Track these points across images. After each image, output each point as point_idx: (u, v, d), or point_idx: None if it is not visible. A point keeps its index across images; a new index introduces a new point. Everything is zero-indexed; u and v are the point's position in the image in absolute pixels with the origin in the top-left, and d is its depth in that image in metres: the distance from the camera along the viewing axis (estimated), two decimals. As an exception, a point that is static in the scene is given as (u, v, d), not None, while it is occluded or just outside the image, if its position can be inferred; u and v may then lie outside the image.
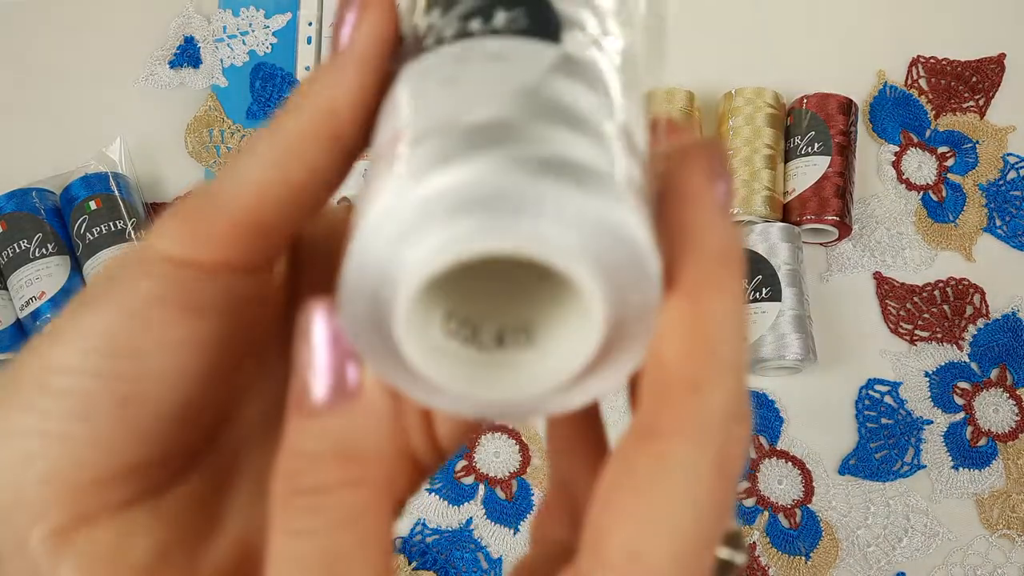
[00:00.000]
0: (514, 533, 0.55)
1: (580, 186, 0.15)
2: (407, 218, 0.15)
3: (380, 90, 0.19)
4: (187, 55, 0.67)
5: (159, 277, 0.17)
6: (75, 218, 0.59)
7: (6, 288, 0.60)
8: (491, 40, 0.18)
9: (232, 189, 0.18)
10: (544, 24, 0.19)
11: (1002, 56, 0.63)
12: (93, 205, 0.59)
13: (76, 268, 0.60)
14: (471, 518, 0.56)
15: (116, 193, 0.60)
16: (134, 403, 0.17)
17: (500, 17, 0.19)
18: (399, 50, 0.20)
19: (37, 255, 0.59)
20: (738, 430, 0.16)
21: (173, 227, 0.17)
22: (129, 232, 0.59)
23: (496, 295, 0.18)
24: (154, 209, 0.63)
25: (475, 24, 0.18)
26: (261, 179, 0.18)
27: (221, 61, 0.66)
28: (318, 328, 0.16)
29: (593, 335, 0.16)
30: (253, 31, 0.67)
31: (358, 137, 0.18)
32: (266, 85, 0.65)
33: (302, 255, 0.22)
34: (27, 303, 0.59)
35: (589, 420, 0.20)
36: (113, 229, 0.59)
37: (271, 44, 0.66)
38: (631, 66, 0.20)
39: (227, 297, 0.18)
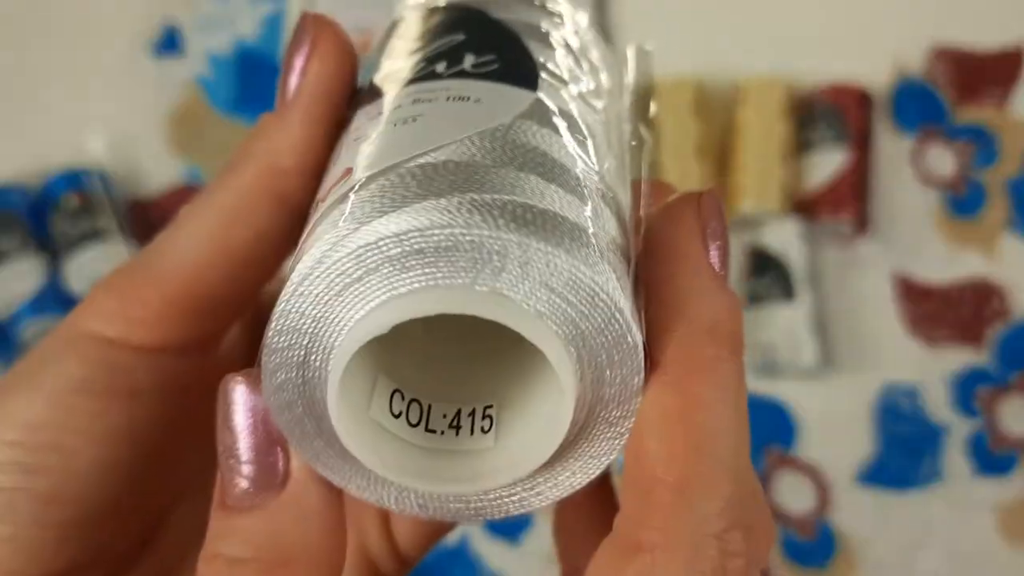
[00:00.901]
0: (514, 546, 0.54)
1: (550, 240, 0.13)
2: (344, 270, 0.13)
3: (330, 143, 0.17)
4: (170, 44, 0.65)
5: (88, 360, 0.16)
6: (54, 216, 0.58)
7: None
8: (458, 82, 0.16)
9: (167, 262, 0.16)
10: (519, 69, 0.17)
11: (1022, 47, 0.62)
12: (73, 202, 0.58)
13: (55, 268, 0.59)
14: (468, 532, 0.54)
15: (96, 189, 0.59)
16: (58, 502, 0.15)
17: (470, 59, 0.17)
18: (353, 97, 0.18)
19: (16, 255, 0.57)
20: (741, 543, 0.13)
21: (104, 304, 0.16)
22: (110, 230, 0.58)
23: (451, 364, 0.16)
24: (136, 206, 0.61)
25: (441, 67, 0.17)
26: (199, 250, 0.16)
27: (206, 50, 0.65)
28: (238, 407, 0.14)
29: (564, 417, 0.14)
30: (239, 19, 0.65)
31: (308, 195, 0.17)
32: (253, 75, 0.64)
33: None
34: (6, 304, 0.57)
35: (599, 496, 0.18)
36: (94, 227, 0.58)
37: (258, 32, 0.65)
38: (614, 118, 0.18)
39: (164, 380, 0.16)
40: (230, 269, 0.16)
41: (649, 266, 0.15)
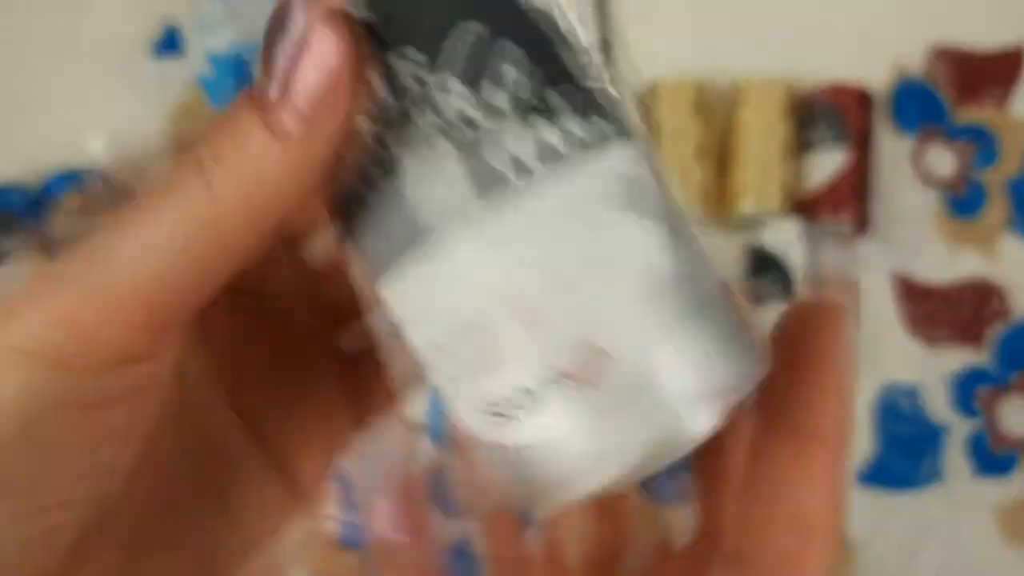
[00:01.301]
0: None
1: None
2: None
3: (336, 158, 0.15)
4: (170, 44, 0.65)
5: (30, 388, 0.14)
6: (54, 215, 0.58)
7: (-19, 290, 0.59)
8: (582, 175, 0.16)
9: (123, 275, 0.14)
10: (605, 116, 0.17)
11: (1022, 47, 0.62)
12: (74, 202, 0.58)
13: (55, 268, 0.59)
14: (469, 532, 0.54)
15: (96, 189, 0.59)
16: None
17: (575, 124, 0.16)
18: (379, 106, 0.15)
19: (16, 255, 0.57)
20: None
21: (41, 318, 0.14)
22: None
23: None
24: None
25: (553, 136, 0.15)
26: (164, 264, 0.14)
27: (206, 50, 0.64)
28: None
29: None
30: (240, 18, 0.65)
31: (295, 213, 0.15)
32: (253, 76, 0.64)
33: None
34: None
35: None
36: (94, 226, 0.58)
37: (259, 32, 0.65)
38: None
39: (112, 392, 0.15)
40: (197, 288, 0.15)
41: (787, 365, 0.16)
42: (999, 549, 0.53)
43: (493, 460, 0.17)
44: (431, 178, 0.15)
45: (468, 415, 0.16)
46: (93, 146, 0.62)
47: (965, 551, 0.53)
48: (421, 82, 0.15)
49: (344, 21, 0.14)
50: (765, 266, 0.55)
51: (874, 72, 0.61)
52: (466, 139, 0.15)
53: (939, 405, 0.55)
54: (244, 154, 0.15)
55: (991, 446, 0.54)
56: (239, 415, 0.20)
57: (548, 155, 0.15)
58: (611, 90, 0.17)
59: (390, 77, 0.15)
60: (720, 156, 0.59)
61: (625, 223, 0.16)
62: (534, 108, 0.15)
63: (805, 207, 0.57)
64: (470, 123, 0.15)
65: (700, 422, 0.15)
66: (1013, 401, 0.55)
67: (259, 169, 0.15)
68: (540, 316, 0.15)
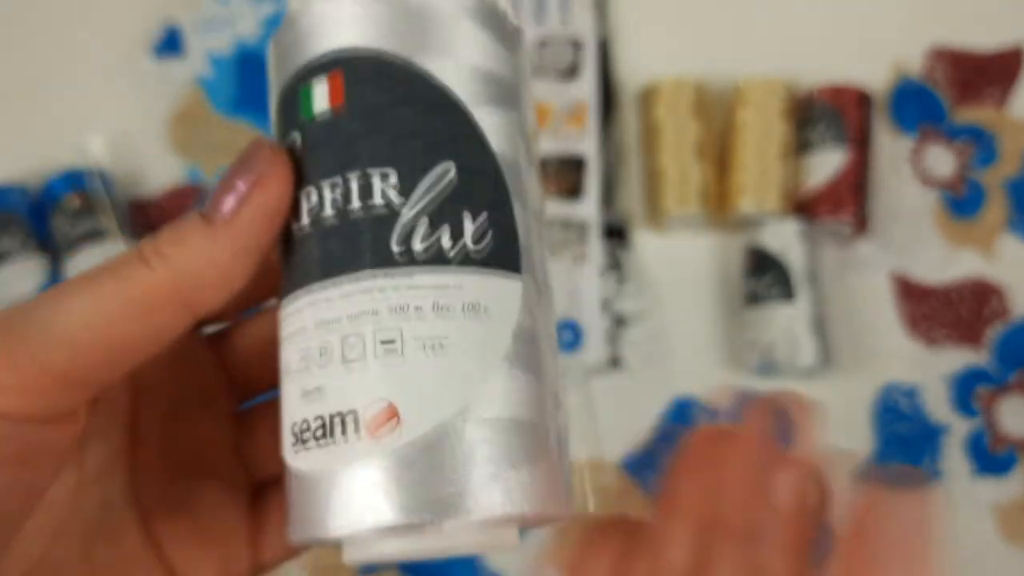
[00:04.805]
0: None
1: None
2: None
3: (256, 271, 0.18)
4: (170, 45, 0.65)
5: None
6: (55, 216, 0.58)
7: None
8: (467, 276, 0.18)
9: (49, 333, 0.16)
10: (508, 244, 0.18)
11: (1021, 48, 0.62)
12: (74, 202, 0.58)
13: (56, 268, 0.58)
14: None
15: (97, 190, 0.58)
16: None
17: (469, 230, 0.18)
18: (291, 232, 0.19)
19: (17, 255, 0.57)
20: None
21: None
22: (111, 230, 0.58)
23: None
24: (136, 206, 0.61)
25: (447, 240, 0.18)
26: (88, 332, 0.16)
27: (206, 51, 0.64)
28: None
29: None
30: (240, 19, 0.65)
31: (216, 307, 0.17)
32: (253, 75, 0.63)
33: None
34: (7, 305, 0.57)
35: None
36: (95, 227, 0.57)
37: (258, 33, 0.64)
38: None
39: (27, 446, 0.16)
40: (112, 357, 0.17)
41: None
42: (997, 548, 0.53)
43: (290, 484, 0.18)
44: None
45: (286, 436, 0.18)
46: (94, 147, 0.62)
47: (964, 550, 0.52)
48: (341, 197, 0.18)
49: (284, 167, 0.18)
50: (765, 266, 0.55)
51: (873, 73, 0.61)
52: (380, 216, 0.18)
53: (938, 405, 0.55)
54: (179, 248, 0.17)
55: (990, 446, 0.54)
56: (138, 510, 0.20)
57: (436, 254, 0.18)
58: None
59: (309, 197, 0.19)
60: (720, 156, 0.59)
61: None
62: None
63: (804, 207, 0.57)
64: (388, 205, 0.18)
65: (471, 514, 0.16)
66: (1012, 401, 0.55)
67: (192, 259, 0.17)
68: (360, 366, 0.17)
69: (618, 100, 0.61)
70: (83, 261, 0.57)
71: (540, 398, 0.18)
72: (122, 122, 0.63)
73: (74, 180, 0.58)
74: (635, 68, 0.62)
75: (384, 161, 0.17)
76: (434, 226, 0.17)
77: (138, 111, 0.63)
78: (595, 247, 0.57)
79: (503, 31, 0.19)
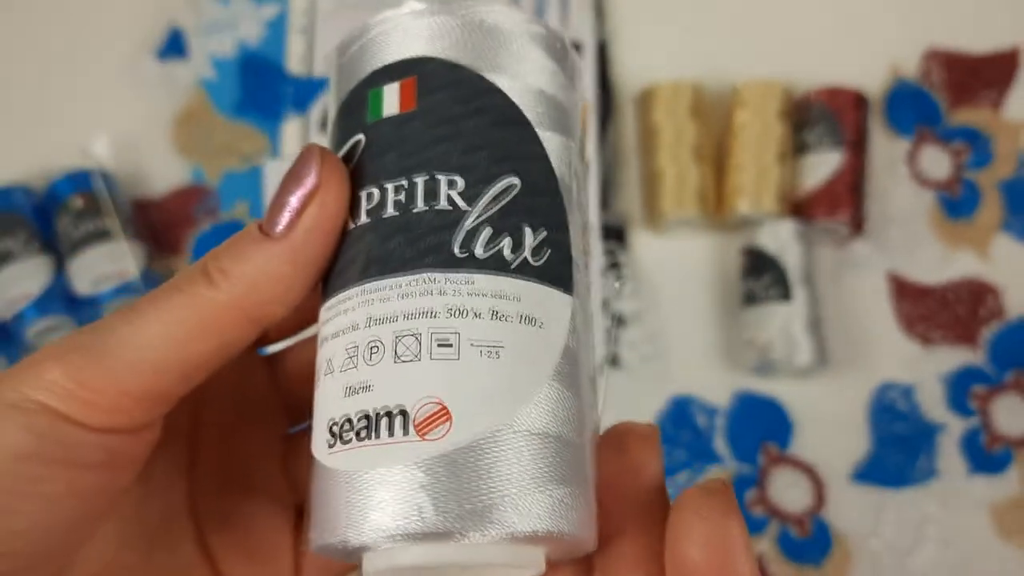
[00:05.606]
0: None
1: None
2: None
3: (316, 282, 0.18)
4: (173, 47, 0.65)
5: (35, 430, 0.16)
6: (59, 216, 0.58)
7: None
8: (523, 284, 0.18)
9: (124, 358, 0.16)
10: (561, 260, 0.19)
11: (1016, 50, 0.62)
12: (78, 203, 0.58)
13: (60, 268, 0.58)
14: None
15: (101, 190, 0.58)
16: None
17: (529, 241, 0.18)
18: (346, 231, 0.19)
19: (21, 255, 0.57)
20: None
21: (57, 380, 0.16)
22: (114, 230, 0.58)
23: None
24: (140, 207, 0.61)
25: (506, 247, 0.18)
26: (157, 356, 0.17)
27: (209, 53, 0.64)
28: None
29: None
30: (242, 22, 0.65)
31: (279, 319, 0.18)
32: (256, 77, 0.64)
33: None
34: (11, 304, 0.57)
35: None
36: (98, 228, 0.57)
37: (261, 35, 0.65)
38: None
39: (107, 455, 0.17)
40: (187, 374, 0.17)
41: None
42: (994, 547, 0.53)
43: (319, 485, 0.18)
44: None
45: (320, 434, 0.18)
46: (98, 148, 0.62)
47: (960, 549, 0.52)
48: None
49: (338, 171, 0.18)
50: (762, 266, 0.55)
51: (870, 75, 0.61)
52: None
53: (934, 404, 0.55)
54: (240, 264, 0.17)
55: (985, 444, 0.54)
56: (194, 521, 0.21)
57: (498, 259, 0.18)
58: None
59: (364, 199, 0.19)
60: (717, 158, 0.59)
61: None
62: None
63: (801, 208, 0.57)
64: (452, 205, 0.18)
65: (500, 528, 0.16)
66: (1007, 400, 0.55)
67: (254, 274, 0.17)
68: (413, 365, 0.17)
69: (616, 102, 0.62)
70: (87, 261, 0.57)
71: (581, 420, 0.18)
72: (126, 123, 0.63)
73: (78, 181, 0.58)
74: (633, 70, 0.62)
75: (452, 168, 0.18)
76: (496, 235, 0.17)
77: (141, 113, 0.63)
78: (594, 248, 0.57)
79: (565, 63, 0.20)
